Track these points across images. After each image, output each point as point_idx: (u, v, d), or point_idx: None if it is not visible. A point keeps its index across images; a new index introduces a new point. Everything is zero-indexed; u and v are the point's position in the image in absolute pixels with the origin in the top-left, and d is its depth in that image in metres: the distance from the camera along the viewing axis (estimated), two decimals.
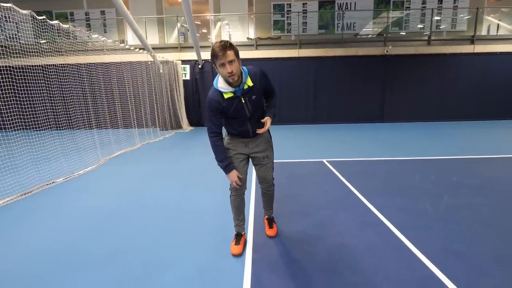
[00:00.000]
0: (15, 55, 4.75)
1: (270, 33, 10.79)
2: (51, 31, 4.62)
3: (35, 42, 4.81)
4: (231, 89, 1.85)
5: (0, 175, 3.96)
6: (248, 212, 2.88)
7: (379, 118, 10.09)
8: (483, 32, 10.75)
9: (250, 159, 2.23)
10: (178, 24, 10.28)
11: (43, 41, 4.92)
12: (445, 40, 10.30)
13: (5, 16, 3.79)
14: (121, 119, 7.21)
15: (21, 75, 4.82)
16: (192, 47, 8.63)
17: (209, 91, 1.94)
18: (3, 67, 4.55)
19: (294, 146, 6.36)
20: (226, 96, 1.87)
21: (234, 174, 2.05)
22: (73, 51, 5.63)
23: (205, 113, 1.99)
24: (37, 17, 4.17)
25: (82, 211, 3.06)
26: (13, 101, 4.60)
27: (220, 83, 1.87)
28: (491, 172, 4.13)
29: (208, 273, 1.97)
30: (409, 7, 10.80)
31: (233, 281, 1.87)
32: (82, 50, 6.15)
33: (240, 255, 2.18)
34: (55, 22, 4.61)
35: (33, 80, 4.89)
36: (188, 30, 7.62)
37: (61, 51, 5.41)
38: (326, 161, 4.88)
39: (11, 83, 4.64)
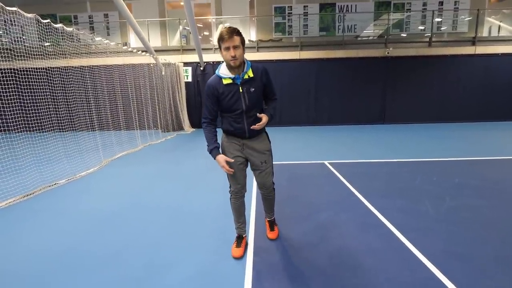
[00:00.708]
0: (19, 58, 4.80)
1: (272, 35, 10.84)
2: (55, 34, 4.68)
3: (39, 45, 4.86)
4: (231, 75, 1.89)
5: (3, 176, 4.00)
6: (249, 214, 2.88)
7: (380, 120, 10.08)
8: (484, 33, 10.74)
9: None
10: (180, 27, 10.35)
11: (47, 44, 4.97)
12: (446, 41, 10.30)
13: (10, 20, 3.84)
14: (123, 121, 7.25)
15: (25, 78, 4.87)
16: (194, 50, 8.68)
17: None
18: (7, 69, 4.61)
19: (295, 147, 6.37)
20: (225, 82, 1.91)
21: (221, 158, 1.96)
22: (76, 53, 5.68)
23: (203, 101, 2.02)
24: (42, 20, 4.22)
25: (84, 213, 3.08)
26: (17, 103, 4.65)
27: (221, 70, 1.93)
28: (493, 174, 4.12)
29: (209, 275, 1.97)
30: (410, 9, 10.82)
31: (234, 284, 1.88)
32: (86, 53, 6.21)
33: (241, 258, 2.17)
34: (59, 25, 4.66)
35: (37, 82, 4.93)
36: (190, 33, 7.67)
37: (65, 54, 5.47)
38: (328, 162, 4.88)
39: (15, 85, 4.69)
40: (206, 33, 11.33)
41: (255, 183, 3.65)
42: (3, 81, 4.47)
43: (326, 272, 1.96)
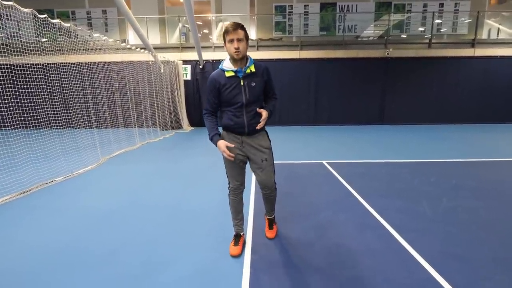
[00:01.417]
0: (16, 53, 4.75)
1: (272, 34, 10.80)
2: (52, 30, 4.63)
3: (36, 41, 4.81)
4: (233, 68, 1.95)
5: None
6: (247, 212, 2.87)
7: (380, 121, 10.09)
8: (484, 35, 10.76)
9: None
10: (180, 24, 10.29)
11: (44, 39, 4.92)
12: (446, 43, 10.32)
13: (6, 14, 3.79)
14: (122, 118, 7.21)
15: (21, 74, 4.82)
16: (194, 47, 8.64)
17: None
18: (4, 65, 4.55)
19: (294, 147, 6.36)
20: (227, 74, 1.96)
21: (221, 143, 1.98)
22: (74, 50, 5.63)
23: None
24: (39, 15, 4.17)
25: (81, 210, 3.05)
26: (13, 99, 4.60)
27: (225, 63, 2.00)
28: (491, 175, 4.13)
29: (207, 273, 1.96)
30: (410, 10, 10.82)
31: (232, 282, 1.87)
32: (83, 49, 6.15)
33: (239, 256, 2.17)
34: (56, 21, 4.61)
35: (33, 78, 4.88)
36: (190, 30, 7.62)
37: (62, 50, 5.41)
38: (326, 162, 4.87)
39: (11, 81, 4.64)
40: (205, 31, 11.28)
41: (253, 181, 3.63)
42: None
43: (324, 272, 1.95)
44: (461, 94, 9.87)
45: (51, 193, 3.60)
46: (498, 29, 10.75)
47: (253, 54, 9.61)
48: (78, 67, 6.01)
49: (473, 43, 9.76)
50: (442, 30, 10.92)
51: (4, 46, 4.72)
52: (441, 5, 10.78)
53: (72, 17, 10.96)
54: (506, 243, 2.31)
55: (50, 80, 5.38)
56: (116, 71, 7.46)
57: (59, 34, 5.10)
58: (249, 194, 3.42)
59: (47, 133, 4.89)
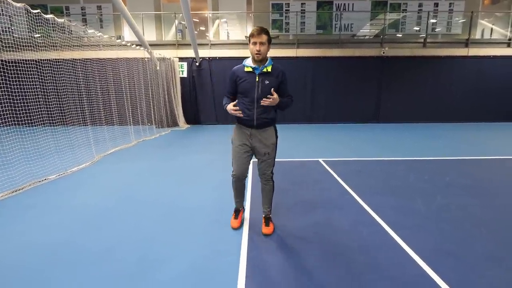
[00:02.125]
0: (8, 49, 4.66)
1: (269, 32, 10.76)
2: (45, 25, 4.55)
3: (29, 36, 4.73)
4: (253, 65, 2.23)
5: None
6: (245, 210, 2.87)
7: (375, 119, 10.16)
8: (477, 35, 10.88)
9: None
10: (176, 21, 10.20)
11: (38, 35, 4.83)
12: (440, 42, 10.41)
13: None
14: (117, 116, 7.14)
15: (14, 70, 4.73)
16: (190, 45, 8.58)
17: None
18: None
19: (291, 145, 6.37)
20: (246, 69, 2.25)
21: (229, 106, 2.23)
22: (68, 46, 5.55)
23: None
24: (32, 10, 4.09)
25: (76, 208, 3.02)
26: (5, 95, 4.51)
27: (247, 61, 2.29)
28: (484, 173, 4.19)
29: (203, 271, 1.96)
30: (406, 10, 10.88)
31: (228, 279, 1.87)
32: (78, 45, 6.06)
33: (238, 228, 2.51)
34: (50, 16, 4.53)
35: (26, 74, 4.80)
36: (186, 27, 7.57)
37: (56, 46, 5.33)
38: (322, 160, 4.90)
39: (3, 77, 4.56)
40: (202, 28, 11.20)
41: (251, 179, 3.63)
42: None
43: (319, 269, 1.97)
44: (455, 93, 9.98)
45: (44, 191, 3.55)
46: (492, 29, 10.88)
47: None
48: (72, 64, 5.93)
49: (467, 43, 9.87)
50: (436, 30, 11.01)
51: None
52: (436, 4, 10.87)
53: (66, 13, 10.79)
54: (498, 239, 2.35)
55: (44, 76, 5.30)
56: (111, 68, 7.38)
57: (53, 30, 5.01)
58: (247, 193, 3.41)
59: (40, 131, 4.82)
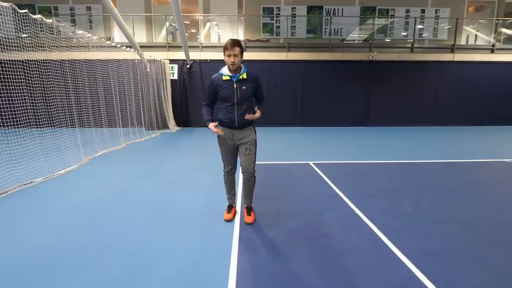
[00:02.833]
0: None
1: (259, 35, 10.84)
2: (33, 26, 4.45)
3: (16, 36, 4.61)
4: (230, 74, 2.45)
5: None
6: (238, 210, 2.87)
7: (364, 122, 10.33)
8: (463, 41, 11.25)
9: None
10: (167, 23, 10.15)
11: (25, 35, 4.72)
12: (427, 48, 10.71)
13: None
14: (106, 117, 7.02)
15: None
16: (181, 47, 8.54)
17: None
18: None
19: (281, 148, 6.41)
20: (224, 78, 2.47)
21: (211, 125, 2.41)
22: (56, 46, 5.43)
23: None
24: (19, 10, 4.00)
25: (62, 212, 2.95)
26: None
27: (224, 69, 2.49)
28: (469, 176, 4.32)
29: (192, 275, 1.95)
30: (394, 15, 11.16)
31: (218, 283, 1.86)
32: (66, 46, 5.93)
33: (231, 221, 2.72)
34: (38, 16, 4.44)
35: (12, 75, 4.67)
36: (177, 30, 7.54)
37: (44, 47, 5.21)
38: (312, 163, 4.94)
39: None
40: (193, 30, 11.17)
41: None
42: None
43: (309, 271, 1.98)
44: (441, 97, 10.27)
45: (30, 195, 3.46)
46: (476, 35, 11.28)
47: None
48: (61, 65, 5.80)
49: (452, 49, 10.18)
50: (423, 35, 11.32)
51: None
52: (423, 11, 11.19)
53: (55, 13, 10.58)
54: (483, 241, 2.42)
55: (31, 77, 5.17)
56: (101, 69, 7.25)
57: (41, 30, 4.90)
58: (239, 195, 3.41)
59: (26, 132, 4.69)
